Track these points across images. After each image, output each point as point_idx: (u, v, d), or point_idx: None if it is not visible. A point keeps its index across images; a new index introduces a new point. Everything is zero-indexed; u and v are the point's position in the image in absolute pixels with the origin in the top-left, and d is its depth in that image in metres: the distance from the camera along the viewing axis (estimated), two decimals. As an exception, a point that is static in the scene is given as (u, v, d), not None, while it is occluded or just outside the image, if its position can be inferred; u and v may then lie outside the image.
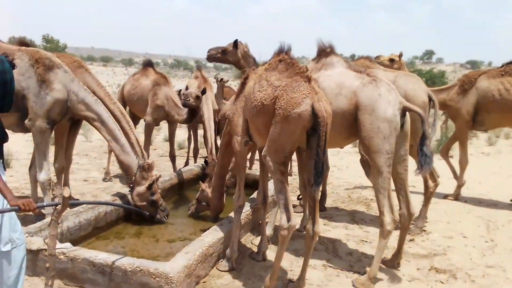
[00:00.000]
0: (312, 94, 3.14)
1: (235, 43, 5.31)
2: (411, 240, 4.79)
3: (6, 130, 2.85)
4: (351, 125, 3.89)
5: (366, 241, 4.72)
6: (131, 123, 5.10)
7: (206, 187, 4.95)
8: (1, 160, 2.71)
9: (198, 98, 5.40)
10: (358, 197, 6.54)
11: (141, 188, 4.67)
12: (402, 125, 3.74)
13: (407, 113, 3.78)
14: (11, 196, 2.48)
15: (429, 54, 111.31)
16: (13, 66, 2.68)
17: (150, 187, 4.66)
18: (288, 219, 3.18)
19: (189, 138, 8.15)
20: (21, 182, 6.37)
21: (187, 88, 6.61)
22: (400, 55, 6.62)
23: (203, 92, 5.72)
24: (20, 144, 8.73)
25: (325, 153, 3.15)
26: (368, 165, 3.81)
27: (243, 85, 3.89)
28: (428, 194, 5.14)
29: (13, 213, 2.68)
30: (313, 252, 4.23)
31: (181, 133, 12.19)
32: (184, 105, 5.46)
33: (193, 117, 5.94)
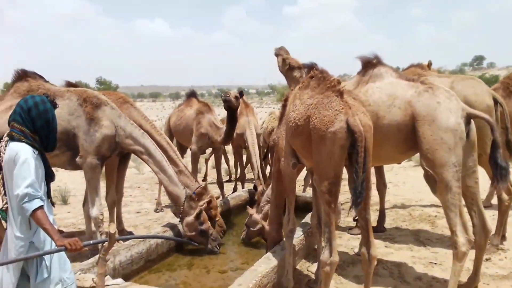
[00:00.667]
0: (346, 109, 2.89)
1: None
2: (487, 259, 4.26)
3: (57, 168, 2.87)
4: (408, 138, 3.57)
5: (435, 263, 4.26)
6: (178, 152, 5.11)
7: (254, 212, 4.76)
8: (49, 200, 2.70)
9: (237, 98, 5.35)
10: (420, 215, 6.03)
11: (189, 218, 4.58)
12: (467, 134, 3.37)
13: (471, 120, 3.41)
14: (58, 236, 2.43)
15: (479, 59, 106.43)
16: (54, 105, 2.69)
17: (198, 216, 4.56)
18: (331, 254, 2.92)
19: (235, 165, 8.08)
20: (78, 218, 6.52)
21: None
22: (429, 64, 5.97)
23: (241, 94, 5.65)
24: (77, 181, 9.08)
25: (366, 170, 2.84)
26: (434, 180, 3.43)
27: (284, 107, 3.74)
28: (503, 208, 4.56)
29: (62, 252, 2.64)
30: (376, 278, 3.90)
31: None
32: (224, 101, 5.32)
33: (231, 132, 5.80)
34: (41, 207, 2.40)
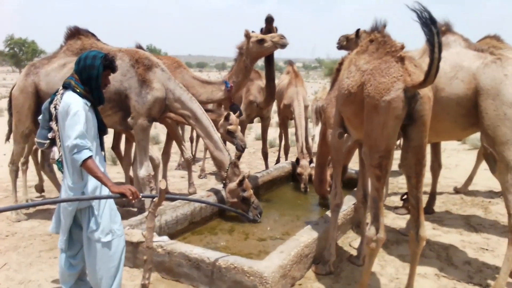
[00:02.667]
0: (405, 76, 2.64)
1: (357, 32, 5.46)
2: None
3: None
4: (469, 113, 3.34)
5: (487, 249, 4.03)
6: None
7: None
8: (102, 153, 2.80)
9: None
10: (472, 200, 5.71)
11: (232, 184, 4.60)
12: None
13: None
14: (111, 183, 2.52)
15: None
16: (112, 66, 2.72)
17: (241, 183, 4.57)
18: (377, 231, 2.80)
19: (280, 136, 8.00)
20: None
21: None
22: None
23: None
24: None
25: (425, 144, 2.66)
26: (494, 159, 3.20)
27: (337, 71, 3.57)
28: None
29: (113, 204, 2.74)
30: (423, 260, 3.76)
31: (272, 131, 12.18)
32: (282, 45, 4.91)
33: (272, 87, 5.75)
34: (90, 157, 2.47)
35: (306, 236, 3.61)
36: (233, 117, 4.92)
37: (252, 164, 8.30)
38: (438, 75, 3.47)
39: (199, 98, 5.00)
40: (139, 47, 5.39)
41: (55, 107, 2.65)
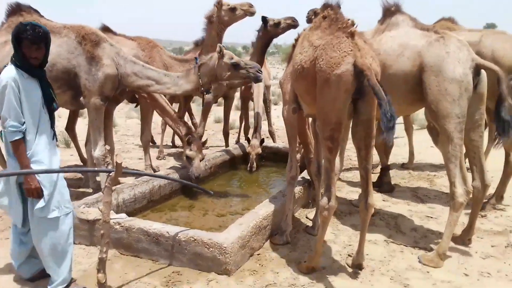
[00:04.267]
0: (355, 51, 2.75)
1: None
2: (483, 216, 4.34)
3: (59, 114, 2.89)
4: (414, 89, 3.53)
5: (431, 217, 4.35)
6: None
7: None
8: (52, 130, 2.73)
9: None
10: (419, 174, 6.08)
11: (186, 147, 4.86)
12: (476, 85, 3.32)
13: (482, 72, 3.35)
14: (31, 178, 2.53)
15: (490, 27, 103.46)
16: (28, 38, 2.54)
17: (188, 142, 4.85)
18: (329, 200, 2.94)
19: (240, 117, 8.05)
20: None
21: None
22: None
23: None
24: (79, 126, 9.11)
25: (390, 102, 2.63)
26: (437, 132, 3.44)
27: (293, 48, 3.62)
28: (508, 170, 4.53)
29: (62, 180, 2.70)
30: (373, 228, 4.00)
31: (231, 114, 12.20)
32: (294, 26, 5.25)
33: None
34: (19, 139, 2.51)
35: (265, 209, 3.72)
36: (196, 144, 4.81)
37: (211, 145, 8.30)
38: (387, 53, 3.68)
39: None
40: (105, 28, 5.22)
41: None
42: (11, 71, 2.52)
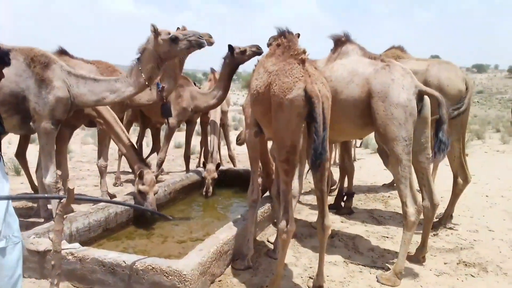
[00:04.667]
0: (305, 76, 2.87)
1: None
2: (435, 234, 4.55)
3: (10, 140, 2.74)
4: (364, 114, 3.71)
5: (387, 237, 4.50)
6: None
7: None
8: (0, 156, 2.59)
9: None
10: (374, 196, 6.31)
11: (137, 179, 4.68)
12: (420, 110, 3.55)
13: (425, 97, 3.59)
14: None
15: (434, 58, 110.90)
16: (3, 62, 2.49)
17: (140, 176, 4.64)
18: (287, 222, 2.97)
19: (201, 142, 8.04)
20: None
21: None
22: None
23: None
24: (31, 153, 8.69)
25: (325, 129, 2.81)
26: (386, 154, 3.63)
27: (253, 73, 3.74)
28: (457, 191, 4.80)
29: (11, 208, 2.54)
30: (332, 249, 4.07)
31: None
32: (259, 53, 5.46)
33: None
34: None
35: (225, 234, 3.69)
36: (147, 176, 4.64)
37: (171, 170, 8.18)
38: (338, 80, 3.86)
39: (140, 100, 5.34)
40: (62, 51, 5.09)
41: None
42: None
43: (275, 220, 4.30)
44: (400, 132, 3.41)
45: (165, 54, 4.06)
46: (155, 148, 7.43)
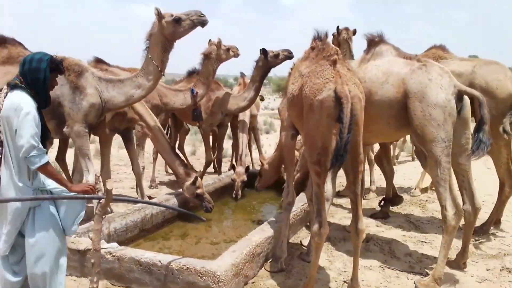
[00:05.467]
0: (336, 77, 2.85)
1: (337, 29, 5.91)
2: (477, 240, 4.36)
3: None
4: (400, 115, 3.62)
5: (425, 242, 4.35)
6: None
7: (264, 162, 5.25)
8: None
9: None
10: (411, 199, 6.11)
11: (188, 183, 4.88)
12: (459, 111, 3.42)
13: (465, 97, 3.46)
14: (71, 184, 2.64)
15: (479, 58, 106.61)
16: (59, 69, 2.67)
17: (194, 182, 4.85)
18: (320, 225, 2.94)
19: (232, 145, 8.11)
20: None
21: None
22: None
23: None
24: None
25: (350, 131, 2.71)
26: (424, 156, 3.50)
27: (289, 76, 3.74)
28: (503, 198, 4.58)
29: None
30: (368, 253, 3.98)
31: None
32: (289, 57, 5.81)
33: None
34: (48, 162, 2.48)
35: (258, 236, 3.69)
36: (199, 181, 4.93)
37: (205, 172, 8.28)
38: (372, 81, 3.78)
39: (174, 105, 5.60)
40: (99, 60, 5.35)
41: None
42: (28, 99, 2.49)
43: (308, 223, 4.25)
44: (439, 133, 3.29)
45: (171, 35, 4.22)
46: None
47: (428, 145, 3.37)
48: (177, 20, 4.15)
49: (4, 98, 2.50)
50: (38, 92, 2.57)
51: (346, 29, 5.93)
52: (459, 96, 3.40)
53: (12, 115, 2.42)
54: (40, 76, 2.54)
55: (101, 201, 2.73)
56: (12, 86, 2.52)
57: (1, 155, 2.51)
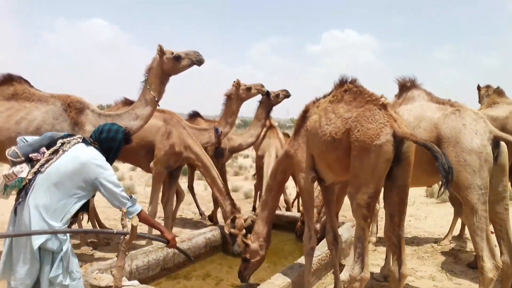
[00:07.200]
0: (391, 122, 2.87)
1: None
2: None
3: None
4: (433, 160, 3.52)
5: (459, 295, 4.08)
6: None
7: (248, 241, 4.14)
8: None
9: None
10: (442, 248, 5.82)
11: (228, 220, 5.15)
12: (496, 157, 3.31)
13: (502, 144, 3.35)
14: (166, 230, 2.91)
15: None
16: (128, 140, 2.85)
17: (232, 221, 5.10)
18: (361, 270, 2.86)
19: (255, 186, 8.07)
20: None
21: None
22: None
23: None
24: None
25: (409, 184, 2.82)
26: (459, 202, 3.37)
27: (303, 119, 3.65)
28: None
29: (70, 247, 2.63)
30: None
31: (248, 184, 12.29)
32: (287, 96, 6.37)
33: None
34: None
35: (281, 280, 3.56)
36: (238, 221, 5.11)
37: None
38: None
39: (200, 143, 5.63)
40: (128, 101, 5.68)
41: (63, 143, 2.64)
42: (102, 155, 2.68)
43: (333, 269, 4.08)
44: (475, 180, 3.18)
45: (169, 70, 4.51)
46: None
47: (463, 192, 3.25)
48: (177, 58, 4.46)
49: (76, 142, 2.66)
50: (107, 159, 2.71)
51: (487, 86, 6.07)
52: (495, 142, 3.31)
53: (90, 164, 2.55)
54: (114, 145, 2.77)
55: (126, 237, 2.72)
56: (86, 141, 2.69)
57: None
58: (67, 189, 2.51)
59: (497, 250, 3.27)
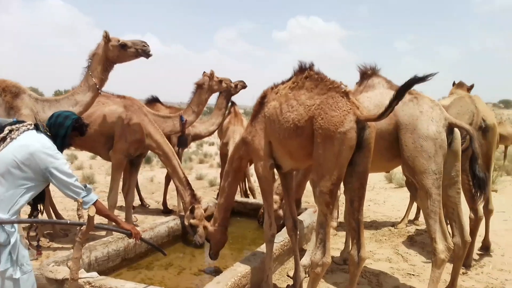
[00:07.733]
0: (354, 109, 2.89)
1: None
2: (463, 273, 4.30)
3: None
4: (392, 146, 3.63)
5: (413, 274, 4.27)
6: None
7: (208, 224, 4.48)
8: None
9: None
10: (399, 231, 6.06)
11: (187, 213, 5.08)
12: (450, 143, 3.45)
13: (456, 130, 3.50)
14: (123, 222, 2.91)
15: (505, 103, 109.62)
16: (81, 129, 2.73)
17: (191, 211, 5.02)
18: (323, 255, 2.92)
19: (221, 174, 8.03)
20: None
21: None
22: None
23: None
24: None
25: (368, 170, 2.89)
26: (415, 187, 3.49)
27: (260, 105, 3.59)
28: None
29: (19, 238, 2.52)
30: (355, 286, 3.87)
31: (213, 171, 12.23)
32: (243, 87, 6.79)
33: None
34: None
35: (243, 267, 3.58)
36: (198, 211, 5.02)
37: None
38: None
39: (163, 131, 5.51)
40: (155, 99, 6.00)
41: (11, 130, 2.48)
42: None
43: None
44: (430, 165, 3.30)
45: (114, 58, 4.45)
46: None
47: (419, 176, 3.37)
48: (123, 46, 4.39)
49: (25, 130, 2.51)
50: (56, 144, 2.59)
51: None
52: (450, 129, 3.44)
53: (40, 153, 2.42)
54: (61, 132, 2.64)
55: (81, 228, 2.63)
56: (37, 127, 2.55)
57: None
58: (15, 179, 2.37)
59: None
